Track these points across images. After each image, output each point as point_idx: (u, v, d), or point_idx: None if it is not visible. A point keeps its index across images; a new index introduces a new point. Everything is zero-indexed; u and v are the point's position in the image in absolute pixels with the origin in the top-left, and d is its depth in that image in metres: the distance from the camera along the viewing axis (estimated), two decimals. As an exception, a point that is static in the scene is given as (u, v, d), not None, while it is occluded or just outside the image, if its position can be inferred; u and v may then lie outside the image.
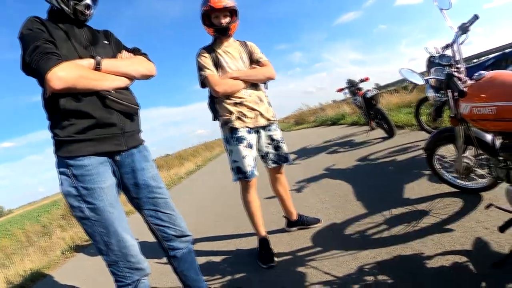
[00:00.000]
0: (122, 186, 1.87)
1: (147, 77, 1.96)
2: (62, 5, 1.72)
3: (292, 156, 7.28)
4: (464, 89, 1.99)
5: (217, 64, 2.69)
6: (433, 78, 2.26)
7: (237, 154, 2.68)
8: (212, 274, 2.77)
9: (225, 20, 2.64)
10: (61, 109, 1.58)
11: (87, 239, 6.36)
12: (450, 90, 2.17)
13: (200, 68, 2.67)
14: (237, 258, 3.01)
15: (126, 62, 1.86)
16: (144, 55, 2.02)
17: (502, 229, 1.87)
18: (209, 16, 2.65)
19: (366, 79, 7.24)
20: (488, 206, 2.01)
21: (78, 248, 5.95)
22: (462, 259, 2.00)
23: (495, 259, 1.86)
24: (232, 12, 2.67)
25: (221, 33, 2.68)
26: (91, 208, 1.63)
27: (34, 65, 1.50)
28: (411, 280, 1.95)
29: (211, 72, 2.63)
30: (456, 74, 2.11)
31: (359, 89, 7.28)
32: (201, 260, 3.11)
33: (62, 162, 1.64)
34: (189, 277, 2.10)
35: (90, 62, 1.67)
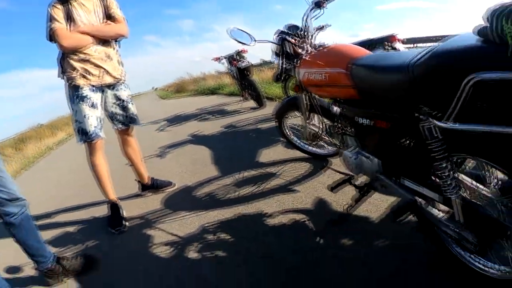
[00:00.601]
0: None
1: None
2: None
3: (163, 123, 7.13)
4: (290, 51, 2.07)
5: (69, 17, 2.48)
6: (265, 41, 2.30)
7: (80, 114, 2.53)
8: (64, 245, 2.61)
9: None
10: None
11: None
12: (284, 56, 2.24)
13: (50, 19, 2.45)
14: (92, 226, 2.87)
15: None
16: None
17: (333, 188, 2.01)
18: None
19: (243, 51, 7.28)
20: (325, 168, 2.14)
21: None
22: (302, 216, 2.13)
23: (333, 217, 2.01)
24: None
25: None
26: None
27: None
28: (252, 236, 2.04)
29: (60, 24, 2.43)
30: (291, 40, 2.18)
31: (235, 59, 7.31)
32: (56, 232, 2.93)
33: None
34: (31, 246, 1.97)
35: None
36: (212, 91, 12.69)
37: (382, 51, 4.08)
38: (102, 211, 3.04)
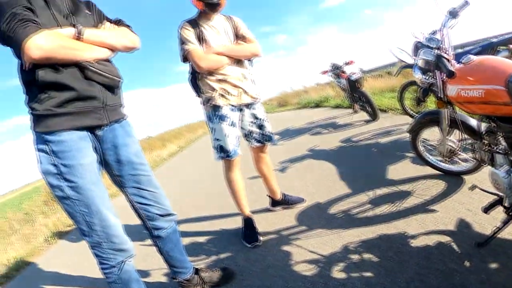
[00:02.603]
0: (103, 163, 1.79)
1: (130, 49, 1.87)
2: None
3: (276, 137, 7.30)
4: (453, 69, 2.00)
5: (201, 39, 2.59)
6: (422, 58, 2.26)
7: (220, 132, 2.63)
8: (197, 255, 2.77)
9: None
10: (39, 81, 1.48)
11: (70, 224, 6.28)
12: (438, 71, 2.18)
13: (183, 41, 2.57)
14: (222, 238, 3.00)
15: (109, 33, 1.75)
16: (128, 26, 1.91)
17: (487, 210, 1.91)
18: None
19: (350, 62, 7.25)
20: (473, 187, 2.04)
21: (61, 234, 5.86)
22: (446, 238, 2.04)
23: (478, 240, 1.90)
24: None
25: (211, 8, 2.56)
26: (72, 187, 1.56)
27: (12, 32, 1.38)
28: (397, 258, 1.99)
29: (194, 46, 2.53)
30: (445, 55, 2.12)
31: (343, 71, 7.30)
32: (186, 240, 3.10)
33: (40, 138, 1.56)
34: (174, 257, 2.06)
35: (71, 31, 1.56)
36: (317, 104, 12.71)
37: (507, 54, 3.77)
38: (230, 223, 3.23)
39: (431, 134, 2.89)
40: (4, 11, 1.41)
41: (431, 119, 2.63)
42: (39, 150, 1.57)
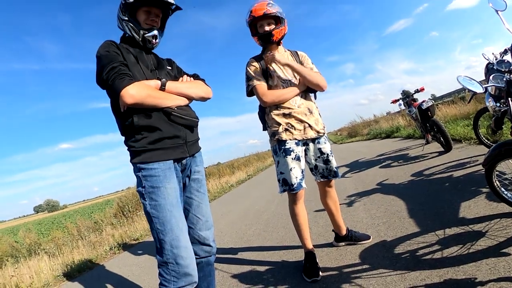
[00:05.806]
0: None
1: (204, 99, 2.18)
2: (133, 33, 2.02)
3: (344, 169, 7.23)
4: None
5: (266, 73, 2.72)
6: (492, 86, 2.16)
7: (284, 166, 2.69)
8: (254, 284, 2.81)
9: (269, 28, 2.66)
10: (135, 125, 1.83)
11: (136, 237, 6.76)
12: (510, 99, 2.07)
13: (248, 77, 2.72)
14: (282, 269, 2.99)
15: (187, 85, 2.08)
16: (203, 80, 2.24)
17: None
18: (256, 26, 2.70)
19: (421, 90, 7.02)
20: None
21: (126, 246, 6.26)
22: (517, 286, 1.87)
23: None
24: (276, 20, 2.69)
25: (264, 40, 2.71)
26: (153, 205, 1.81)
27: (111, 82, 1.76)
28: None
29: (258, 82, 2.67)
30: None
31: (414, 100, 7.10)
32: (245, 268, 3.18)
33: (137, 167, 1.87)
34: None
35: (157, 83, 1.91)
36: (388, 134, 12.40)
37: None
38: (291, 255, 3.24)
39: (508, 167, 2.70)
40: (105, 63, 1.81)
41: (507, 150, 2.45)
42: (136, 176, 1.90)
